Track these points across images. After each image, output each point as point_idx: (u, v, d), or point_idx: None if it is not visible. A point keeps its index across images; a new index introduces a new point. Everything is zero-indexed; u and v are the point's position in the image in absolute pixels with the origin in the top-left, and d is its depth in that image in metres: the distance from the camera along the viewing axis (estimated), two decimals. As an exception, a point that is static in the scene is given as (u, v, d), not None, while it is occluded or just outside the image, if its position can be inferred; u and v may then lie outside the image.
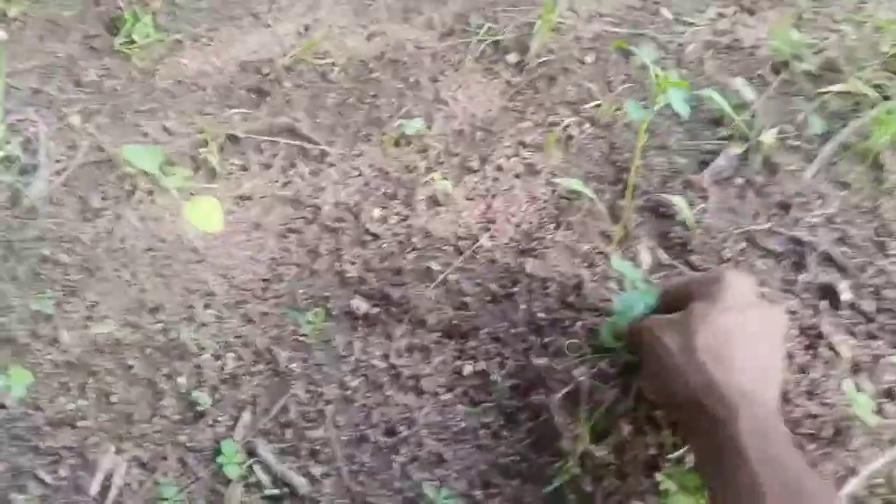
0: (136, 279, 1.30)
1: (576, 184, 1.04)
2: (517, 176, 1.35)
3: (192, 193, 1.40)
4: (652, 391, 0.88)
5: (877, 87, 1.34)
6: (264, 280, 1.27)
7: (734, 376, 0.75)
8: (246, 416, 1.10)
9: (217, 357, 1.18)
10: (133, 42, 1.69)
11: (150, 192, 1.42)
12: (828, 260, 1.16)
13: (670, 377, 0.78)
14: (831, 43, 1.44)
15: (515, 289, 1.18)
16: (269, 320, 1.21)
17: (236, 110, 1.52)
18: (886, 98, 1.31)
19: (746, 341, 0.77)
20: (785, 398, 1.01)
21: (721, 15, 1.54)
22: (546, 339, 1.10)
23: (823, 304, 1.11)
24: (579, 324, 1.10)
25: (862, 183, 1.24)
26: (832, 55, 1.40)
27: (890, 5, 1.50)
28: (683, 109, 0.85)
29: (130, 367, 1.19)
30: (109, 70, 1.65)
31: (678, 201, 1.01)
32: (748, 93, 1.33)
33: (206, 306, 1.25)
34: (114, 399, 1.16)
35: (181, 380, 1.17)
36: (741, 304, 0.79)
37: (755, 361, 0.78)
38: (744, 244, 1.18)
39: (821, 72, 1.40)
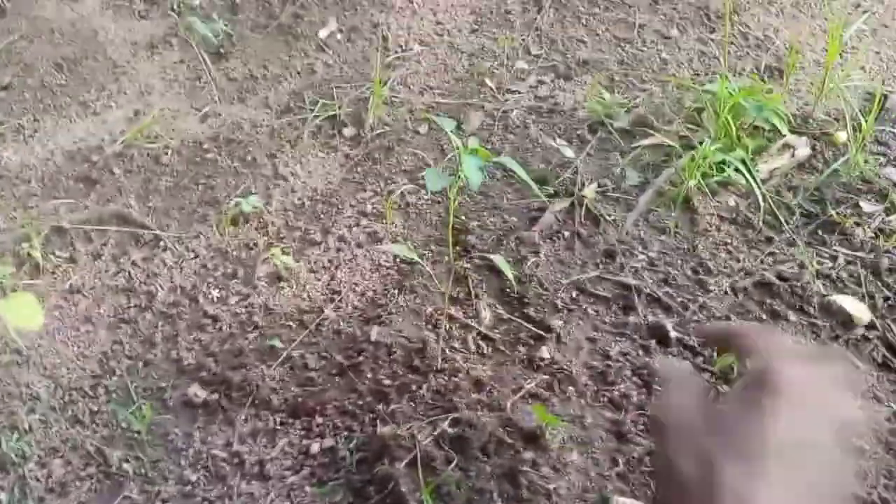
0: (-49, 390, 1.18)
1: (404, 250, 1.05)
2: (359, 245, 1.36)
3: (15, 291, 1.31)
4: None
5: (682, 138, 1.47)
6: (95, 376, 1.19)
7: None
8: (75, 528, 1.02)
9: (43, 465, 1.09)
10: (-52, 137, 1.59)
11: (-33, 294, 1.31)
12: (654, 301, 1.23)
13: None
14: (640, 102, 1.56)
15: (361, 358, 1.17)
16: (99, 419, 1.13)
17: (63, 201, 1.45)
18: (692, 148, 1.43)
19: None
20: (624, 438, 1.05)
21: (541, 82, 1.64)
22: (392, 407, 1.09)
23: (653, 343, 1.17)
24: (425, 386, 1.10)
25: (678, 226, 1.33)
26: (642, 112, 1.52)
27: (689, 66, 1.66)
28: (476, 178, 0.87)
29: (-57, 488, 1.08)
30: (-79, 168, 1.54)
31: (498, 260, 1.05)
32: (569, 152, 1.41)
33: (31, 411, 1.15)
34: (-78, 528, 1.04)
35: (2, 495, 1.06)
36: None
37: None
38: (575, 293, 1.23)
39: (633, 128, 1.51)
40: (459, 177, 0.93)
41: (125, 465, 1.07)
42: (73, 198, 1.46)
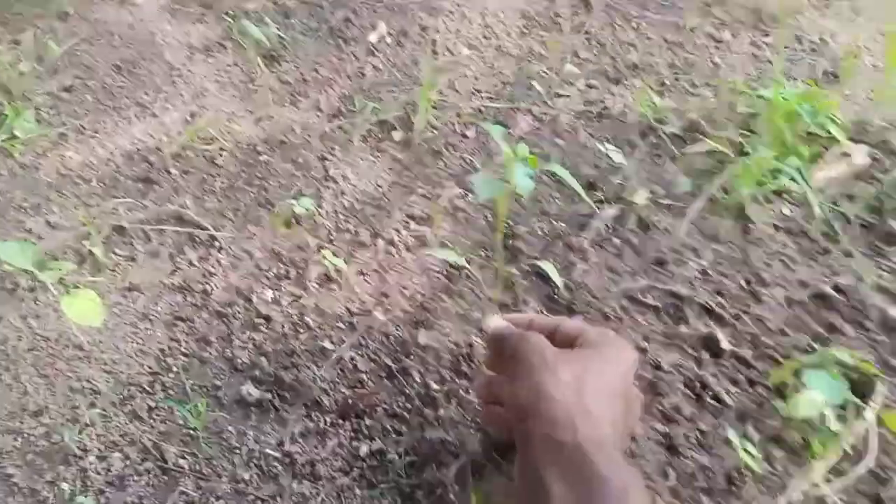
0: (18, 382, 1.23)
1: (452, 255, 1.06)
2: (408, 249, 1.37)
3: (76, 288, 1.35)
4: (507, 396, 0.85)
5: (736, 144, 1.45)
6: (152, 373, 1.23)
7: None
8: (133, 520, 1.05)
9: (102, 458, 1.12)
10: (16, 137, 1.65)
11: (32, 290, 1.36)
12: (706, 311, 1.22)
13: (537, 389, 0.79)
14: (692, 106, 1.55)
15: (410, 362, 1.18)
16: (157, 415, 1.16)
17: (122, 200, 1.50)
18: (745, 154, 1.41)
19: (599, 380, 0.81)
20: (676, 452, 1.04)
21: (590, 86, 1.63)
22: (440, 412, 1.10)
23: (705, 354, 1.16)
24: (473, 392, 1.11)
25: (731, 235, 1.31)
26: (693, 117, 1.51)
27: (742, 70, 1.64)
28: (526, 186, 0.88)
29: (10, 475, 1.12)
30: (-11, 167, 1.60)
31: (547, 267, 1.05)
32: (619, 157, 1.41)
33: (92, 405, 1.19)
34: (-10, 514, 1.08)
35: (65, 485, 1.10)
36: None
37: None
38: (625, 301, 1.23)
39: (684, 133, 1.50)
40: (508, 184, 0.93)
41: (181, 461, 1.10)
42: (133, 197, 1.51)
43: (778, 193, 1.36)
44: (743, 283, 1.25)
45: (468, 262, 1.28)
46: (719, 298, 1.23)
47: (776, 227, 1.32)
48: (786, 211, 1.34)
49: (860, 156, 1.40)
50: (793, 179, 1.34)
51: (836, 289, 1.22)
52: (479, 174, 0.92)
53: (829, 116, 1.38)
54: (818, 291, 1.21)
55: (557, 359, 0.80)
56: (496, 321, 0.93)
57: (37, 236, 1.46)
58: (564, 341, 0.88)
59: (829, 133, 1.40)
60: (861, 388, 1.08)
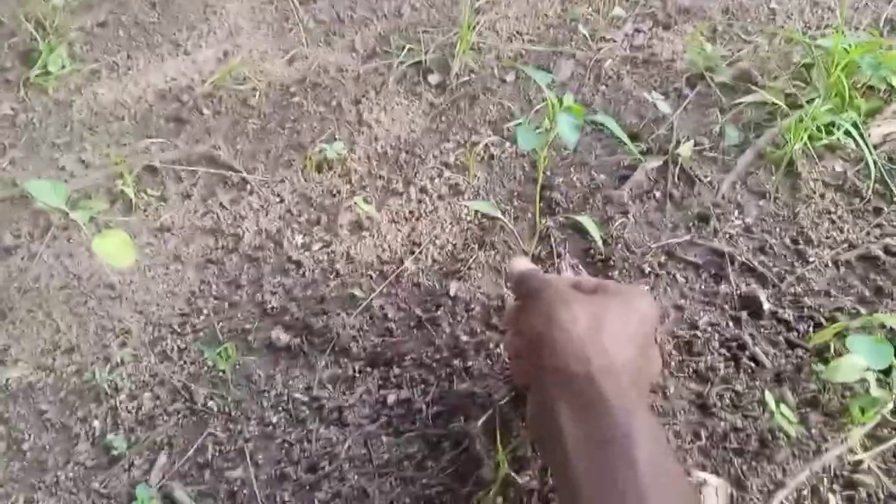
0: (51, 319, 1.25)
1: (487, 206, 1.03)
2: (441, 197, 1.34)
3: (108, 227, 1.35)
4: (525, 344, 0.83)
5: (789, 96, 1.37)
6: (182, 314, 1.23)
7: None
8: (162, 459, 1.06)
9: (133, 398, 1.14)
10: (49, 73, 1.64)
11: (65, 228, 1.37)
12: (748, 270, 1.17)
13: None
14: (744, 55, 1.47)
15: (439, 312, 1.16)
16: (187, 356, 1.17)
17: (154, 140, 1.48)
18: (798, 107, 1.33)
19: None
20: (709, 412, 1.01)
21: (637, 30, 1.56)
22: (469, 363, 1.08)
23: (745, 314, 1.12)
24: (503, 345, 1.09)
25: (779, 191, 1.26)
26: (745, 67, 1.43)
27: (799, 17, 1.54)
28: (572, 137, 0.83)
29: (44, 412, 1.14)
30: (24, 103, 1.59)
31: (585, 221, 1.01)
32: (665, 106, 1.34)
33: (123, 345, 1.20)
34: (25, 447, 1.11)
35: (96, 423, 1.12)
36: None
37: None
38: (664, 258, 1.18)
39: (735, 83, 1.42)
40: (552, 135, 0.89)
41: (210, 403, 1.11)
42: (164, 137, 1.49)
43: (831, 149, 1.29)
44: (788, 241, 1.20)
45: (503, 214, 1.25)
46: (762, 257, 1.18)
47: (827, 185, 1.26)
48: (838, 168, 1.28)
49: (923, 111, 1.32)
50: (848, 134, 1.27)
51: (887, 250, 1.16)
52: (521, 125, 0.88)
53: (892, 69, 1.30)
54: (867, 253, 1.16)
55: (577, 297, 0.78)
56: (522, 262, 0.91)
57: (69, 174, 1.46)
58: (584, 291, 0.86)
59: (891, 86, 1.31)
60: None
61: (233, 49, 1.65)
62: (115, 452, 1.07)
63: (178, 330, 1.21)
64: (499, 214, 1.09)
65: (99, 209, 1.36)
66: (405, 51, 1.57)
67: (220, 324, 1.21)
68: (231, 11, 1.75)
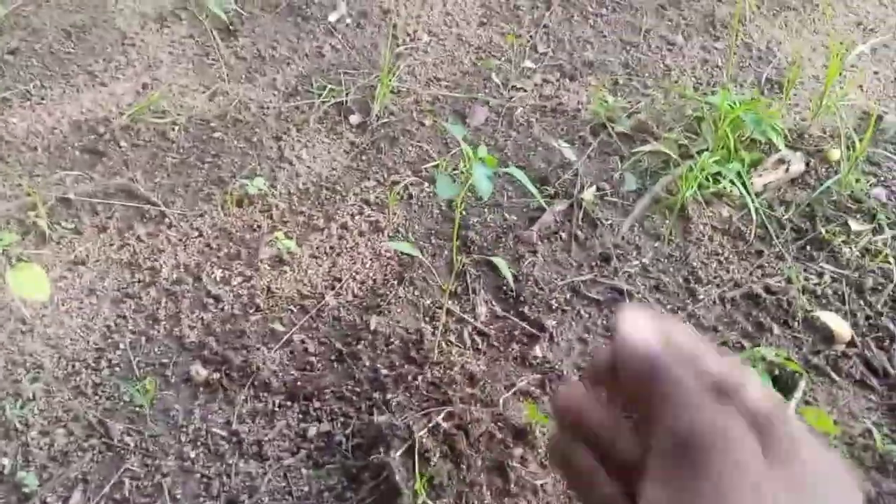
0: (-46, 354, 1.21)
1: (406, 247, 1.08)
2: (361, 234, 1.39)
3: (20, 259, 1.33)
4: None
5: (681, 146, 1.50)
6: (98, 349, 1.22)
7: None
8: (77, 496, 1.05)
9: (45, 433, 1.12)
10: (-47, 99, 1.59)
11: (-29, 260, 1.33)
12: (645, 306, 1.27)
13: None
14: (642, 107, 1.60)
15: (360, 346, 1.20)
16: (102, 391, 1.16)
17: (69, 172, 1.47)
18: (690, 157, 1.46)
19: None
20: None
21: (546, 81, 1.66)
22: (389, 396, 1.12)
23: (642, 346, 1.21)
24: (420, 378, 1.14)
25: (672, 234, 1.37)
26: (643, 118, 1.56)
27: (692, 74, 1.69)
28: (486, 187, 0.90)
29: (-55, 450, 1.10)
30: (-75, 129, 1.54)
31: (499, 262, 1.08)
32: (570, 154, 1.45)
33: (34, 380, 1.18)
34: (-76, 488, 1.07)
35: (6, 461, 1.09)
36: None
37: None
38: (569, 294, 1.27)
39: (634, 133, 1.55)
40: (468, 184, 0.96)
41: (126, 439, 1.10)
42: (80, 169, 1.48)
43: (718, 196, 1.42)
44: (681, 280, 1.31)
45: (421, 251, 1.31)
46: (658, 294, 1.29)
47: (714, 228, 1.38)
48: (725, 213, 1.41)
49: (796, 163, 1.47)
50: (733, 183, 1.40)
51: (767, 290, 1.28)
52: (440, 175, 0.94)
53: (771, 125, 1.45)
54: (750, 291, 1.28)
55: (763, 473, 0.37)
56: (637, 323, 0.40)
57: (-23, 204, 1.42)
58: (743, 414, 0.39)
59: (770, 140, 1.46)
60: (785, 384, 1.15)
61: (152, 82, 1.66)
62: (26, 490, 1.05)
63: (94, 365, 1.20)
64: (418, 254, 1.15)
65: (10, 241, 1.33)
66: (326, 91, 1.62)
67: (137, 359, 1.21)
68: (150, 44, 1.75)
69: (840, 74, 1.64)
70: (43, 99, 1.62)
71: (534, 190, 1.04)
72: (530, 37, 1.78)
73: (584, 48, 1.75)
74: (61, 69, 1.69)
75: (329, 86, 1.63)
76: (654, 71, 1.69)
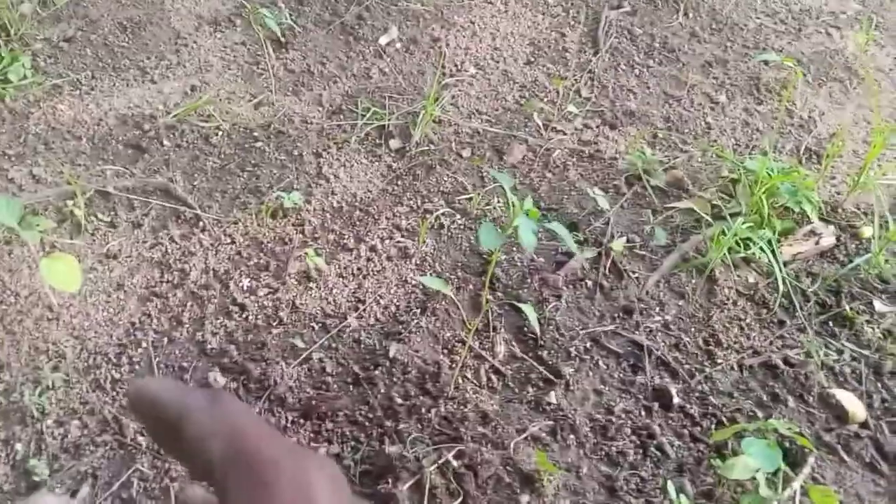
0: (-21, 332, 1.23)
1: (437, 283, 1.09)
2: (389, 258, 1.40)
3: (53, 247, 1.35)
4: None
5: (714, 206, 1.51)
6: (120, 345, 1.24)
7: None
8: (85, 490, 1.06)
9: (60, 424, 1.13)
10: (8, 81, 1.63)
11: (8, 243, 1.36)
12: (663, 364, 1.27)
13: None
14: (679, 163, 1.61)
15: (377, 372, 1.21)
16: (120, 388, 1.18)
17: (111, 166, 1.50)
18: (722, 218, 1.47)
19: None
20: (616, 494, 1.10)
21: (586, 126, 1.68)
22: (401, 426, 1.13)
23: (656, 405, 1.21)
24: (434, 411, 1.15)
25: (697, 294, 1.37)
26: (679, 174, 1.57)
27: (732, 134, 1.70)
28: (529, 241, 0.91)
29: (-39, 428, 1.12)
30: (-24, 107, 1.58)
31: (526, 309, 1.09)
32: (603, 202, 1.46)
33: (55, 368, 1.20)
34: (-63, 464, 1.08)
35: (19, 446, 1.11)
36: None
37: None
38: (589, 343, 1.28)
39: (668, 188, 1.55)
40: (510, 235, 0.97)
41: (139, 438, 1.12)
42: (121, 163, 1.51)
43: (747, 261, 1.42)
44: (701, 342, 1.31)
45: (446, 282, 1.32)
46: (677, 353, 1.29)
47: (739, 293, 1.38)
48: (751, 279, 1.41)
49: (828, 237, 1.47)
50: (762, 250, 1.41)
51: (786, 361, 1.28)
52: (485, 224, 0.95)
53: (806, 195, 1.45)
54: (768, 361, 1.28)
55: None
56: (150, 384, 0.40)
57: (18, 187, 1.45)
58: None
59: (804, 210, 1.47)
60: (794, 458, 1.15)
61: (200, 85, 1.69)
62: (36, 478, 1.06)
63: (115, 360, 1.21)
64: (448, 291, 1.15)
65: (46, 228, 1.36)
66: (370, 113, 1.64)
67: (158, 359, 1.22)
68: (202, 47, 1.79)
69: (882, 149, 1.64)
70: (92, 89, 1.66)
71: (573, 245, 1.05)
72: (575, 80, 1.80)
73: (628, 97, 1.76)
74: (113, 62, 1.73)
75: (373, 108, 1.66)
76: (695, 127, 1.70)
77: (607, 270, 1.39)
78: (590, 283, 1.37)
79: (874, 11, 2.06)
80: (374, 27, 1.87)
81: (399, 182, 1.54)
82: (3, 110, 1.58)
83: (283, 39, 1.80)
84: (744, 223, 1.40)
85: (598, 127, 1.69)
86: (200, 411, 0.39)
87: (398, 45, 1.84)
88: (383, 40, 1.84)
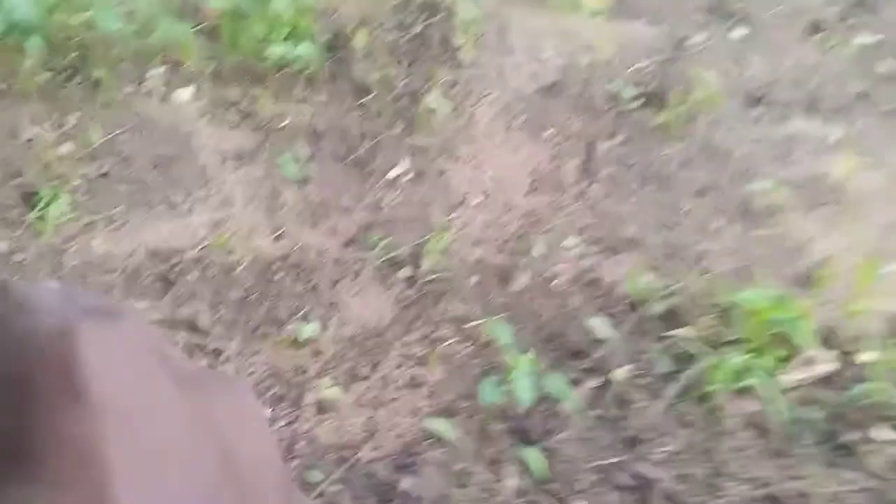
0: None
1: (444, 426, 1.14)
2: (401, 388, 1.46)
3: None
4: None
5: (714, 335, 1.57)
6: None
7: None
8: None
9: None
10: (47, 218, 1.75)
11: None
12: (669, 498, 1.31)
13: None
14: (678, 290, 1.68)
15: (390, 505, 1.25)
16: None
17: (141, 300, 1.59)
18: (722, 345, 1.53)
19: None
20: None
21: (585, 254, 1.77)
22: (413, 563, 1.16)
23: (663, 537, 1.24)
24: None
25: (700, 424, 1.42)
26: (678, 301, 1.64)
27: (728, 260, 1.78)
28: (527, 398, 0.98)
29: None
30: (20, 243, 1.69)
31: (529, 454, 1.13)
32: (605, 331, 1.52)
33: None
34: None
35: None
36: None
37: None
38: (595, 476, 1.32)
39: (668, 315, 1.62)
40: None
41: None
42: (151, 297, 1.60)
43: (748, 390, 1.47)
44: (706, 472, 1.35)
45: (455, 412, 1.37)
46: (683, 485, 1.32)
47: (742, 423, 1.43)
48: (753, 408, 1.45)
49: (826, 363, 1.52)
50: (762, 378, 1.46)
51: (790, 493, 1.31)
52: (485, 382, 1.03)
53: (802, 323, 1.51)
54: (773, 493, 1.31)
55: None
56: None
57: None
58: None
59: (800, 339, 1.52)
60: None
61: (225, 217, 1.80)
62: None
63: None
64: (452, 435, 1.20)
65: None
66: (382, 243, 1.74)
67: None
68: (228, 181, 1.91)
69: (873, 277, 1.71)
70: (125, 224, 1.77)
71: (569, 399, 1.11)
72: (574, 209, 1.90)
73: (625, 225, 1.86)
74: (144, 197, 1.85)
75: (385, 237, 1.76)
76: (691, 254, 1.79)
77: (612, 400, 1.44)
78: (595, 413, 1.42)
79: (860, 134, 2.18)
80: (385, 160, 2.00)
81: (410, 310, 1.62)
82: (43, 245, 1.69)
83: (301, 174, 1.93)
84: (740, 353, 1.45)
85: (596, 255, 1.78)
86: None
87: (408, 177, 1.97)
88: (394, 173, 1.96)
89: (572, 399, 1.11)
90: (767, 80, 2.41)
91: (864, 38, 2.65)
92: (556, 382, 1.04)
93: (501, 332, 1.10)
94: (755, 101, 2.30)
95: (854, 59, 2.52)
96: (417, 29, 2.40)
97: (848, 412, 1.45)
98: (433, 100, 2.16)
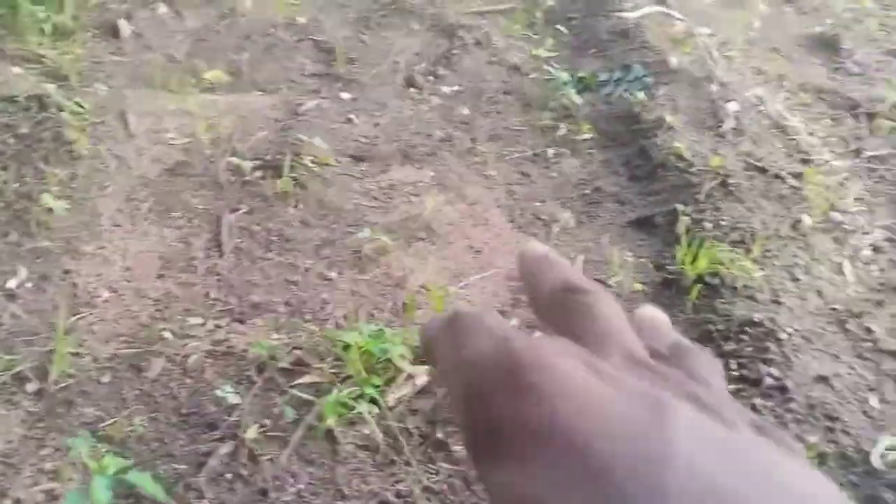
0: None
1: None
2: (37, 504, 1.49)
3: None
4: None
5: (333, 374, 1.83)
6: None
7: None
8: None
9: None
10: None
11: None
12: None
13: None
14: (301, 341, 1.92)
15: None
16: None
17: None
18: (340, 382, 1.79)
19: None
20: None
21: (217, 326, 1.94)
22: None
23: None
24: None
25: (323, 457, 1.66)
26: (300, 353, 1.88)
27: (345, 306, 2.07)
28: (105, 498, 1.11)
29: None
30: None
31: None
32: (234, 397, 1.70)
33: None
34: None
35: None
36: None
37: None
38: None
39: (293, 367, 1.85)
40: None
41: None
42: None
43: (360, 416, 1.75)
44: (329, 499, 1.59)
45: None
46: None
47: (357, 446, 1.70)
48: (366, 430, 1.73)
49: (421, 377, 1.86)
50: (371, 402, 1.74)
51: (398, 495, 1.61)
52: (71, 493, 1.14)
53: (396, 349, 1.83)
54: (383, 499, 1.59)
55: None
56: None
57: None
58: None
59: (398, 361, 1.84)
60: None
61: None
62: None
63: None
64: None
65: None
66: (3, 361, 1.73)
67: None
68: None
69: (446, 296, 2.11)
70: None
71: (161, 495, 1.26)
72: (204, 284, 2.06)
73: (252, 291, 2.06)
74: None
75: (5, 356, 1.75)
76: (313, 306, 2.05)
77: (245, 459, 1.62)
78: (230, 475, 1.59)
79: (443, 174, 2.63)
80: (1, 272, 1.97)
81: (40, 424, 1.64)
82: None
83: None
84: (350, 386, 1.73)
85: (227, 324, 1.95)
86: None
87: (28, 284, 1.96)
88: (12, 283, 1.94)
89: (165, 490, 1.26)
90: (371, 136, 2.79)
91: (446, 89, 3.18)
92: (141, 480, 1.18)
93: (79, 442, 1.21)
94: (360, 157, 2.66)
95: (438, 108, 3.01)
96: (25, 129, 2.37)
97: (438, 412, 1.80)
98: (48, 199, 2.17)
